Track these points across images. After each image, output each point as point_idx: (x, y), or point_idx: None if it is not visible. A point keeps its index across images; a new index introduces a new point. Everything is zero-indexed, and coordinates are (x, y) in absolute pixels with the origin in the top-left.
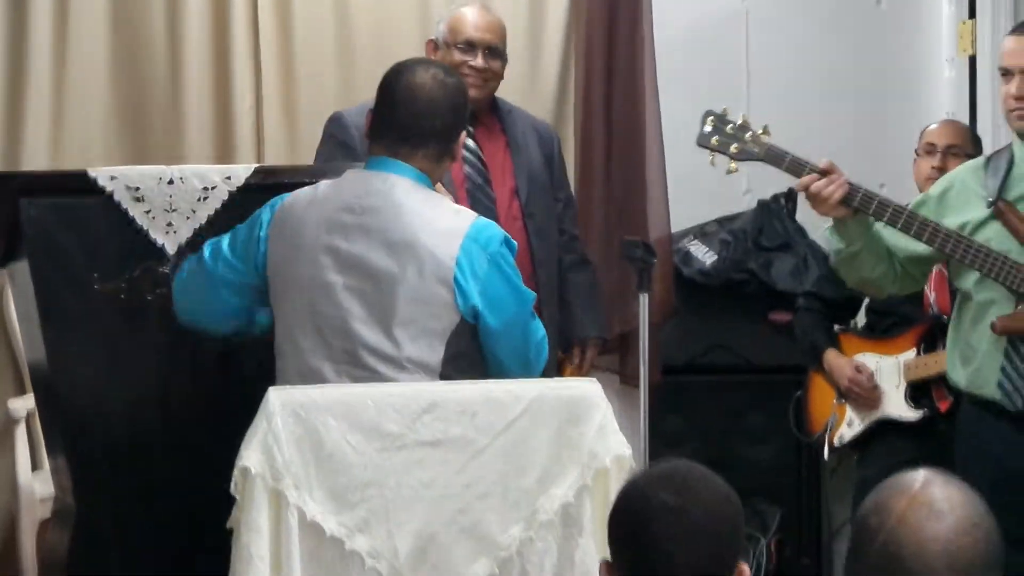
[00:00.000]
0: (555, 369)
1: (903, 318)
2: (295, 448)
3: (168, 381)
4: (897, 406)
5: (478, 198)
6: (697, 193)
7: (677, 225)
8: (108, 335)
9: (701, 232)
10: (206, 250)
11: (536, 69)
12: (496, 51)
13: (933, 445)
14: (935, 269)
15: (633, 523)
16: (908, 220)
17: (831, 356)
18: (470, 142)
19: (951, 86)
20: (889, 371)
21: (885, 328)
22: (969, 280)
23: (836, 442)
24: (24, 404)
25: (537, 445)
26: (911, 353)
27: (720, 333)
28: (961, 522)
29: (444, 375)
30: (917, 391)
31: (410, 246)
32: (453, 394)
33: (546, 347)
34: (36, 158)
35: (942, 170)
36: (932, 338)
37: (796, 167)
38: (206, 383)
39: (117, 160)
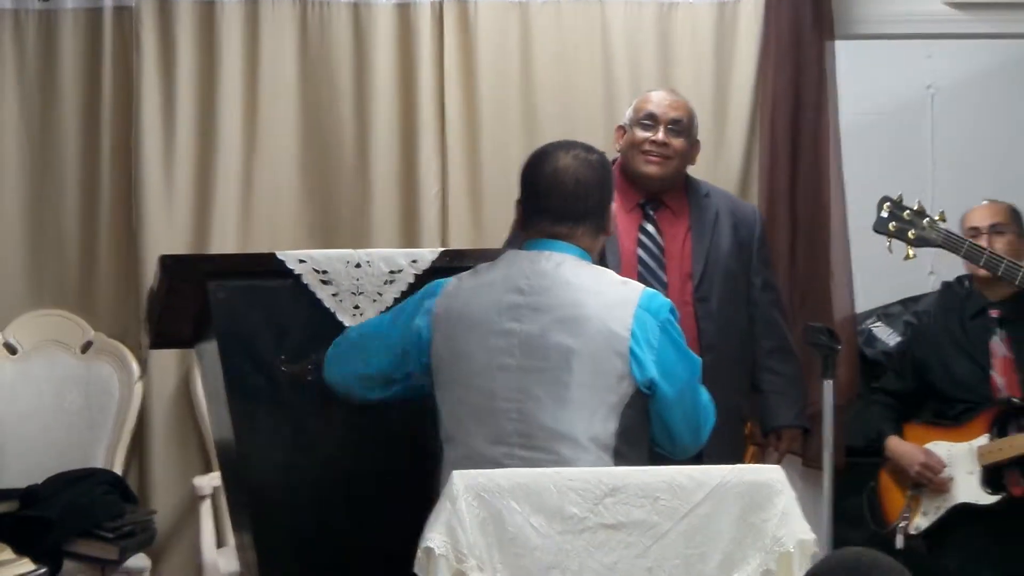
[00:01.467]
0: (740, 453)
1: (971, 404)
2: (478, 530)
3: (353, 461)
4: (972, 491)
5: (649, 283)
6: (881, 274)
7: (861, 306)
8: (294, 415)
9: (885, 313)
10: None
11: (720, 152)
12: (680, 127)
13: (1010, 530)
14: (1000, 355)
15: None
16: None
17: (895, 443)
18: (649, 226)
19: None
20: (962, 457)
21: (955, 416)
22: None
23: (912, 531)
24: (210, 481)
25: (720, 530)
26: (984, 438)
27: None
28: None
29: (617, 449)
30: (991, 476)
31: (583, 321)
32: (635, 478)
33: (712, 412)
34: (225, 242)
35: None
36: (1004, 422)
37: (974, 254)
38: (391, 464)
39: (304, 245)
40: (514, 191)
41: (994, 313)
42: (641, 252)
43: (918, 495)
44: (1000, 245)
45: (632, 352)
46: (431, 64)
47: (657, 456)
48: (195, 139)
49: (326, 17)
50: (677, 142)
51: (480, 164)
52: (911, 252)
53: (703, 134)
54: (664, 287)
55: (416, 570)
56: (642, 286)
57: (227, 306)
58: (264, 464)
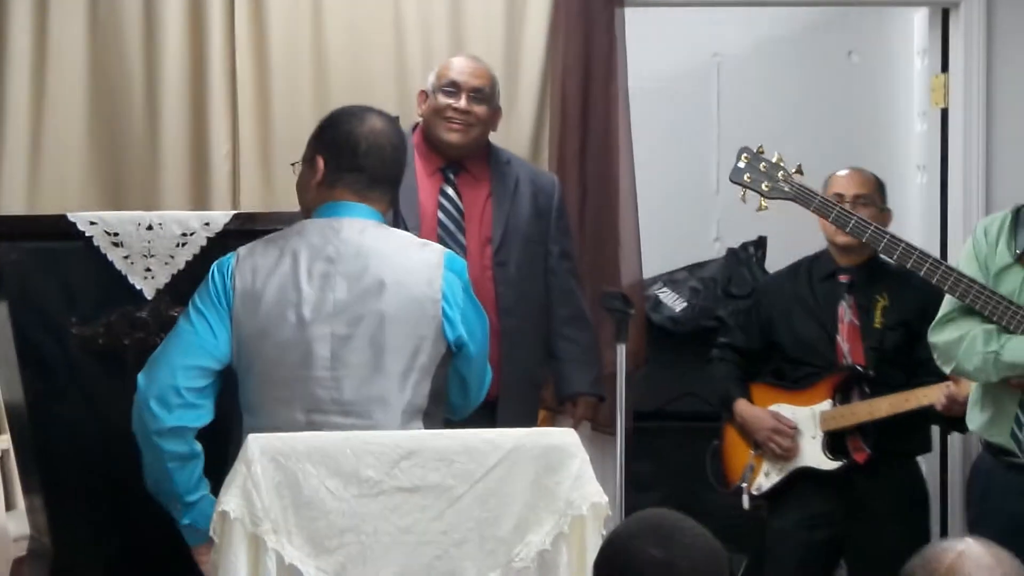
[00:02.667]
0: (535, 416)
1: (816, 368)
2: (274, 493)
3: None
4: (814, 457)
5: (447, 244)
6: (667, 240)
7: (648, 272)
8: (85, 378)
9: (671, 279)
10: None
11: (511, 119)
12: (482, 95)
13: (848, 495)
14: (847, 320)
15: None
16: (938, 271)
17: (743, 407)
18: (449, 189)
19: (923, 139)
20: (804, 421)
21: (796, 379)
22: None
23: (754, 491)
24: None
25: (514, 493)
26: (827, 404)
27: (689, 380)
28: (1009, 573)
29: (427, 411)
30: (833, 441)
31: (394, 286)
32: (431, 441)
33: (489, 373)
34: (13, 203)
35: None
36: (847, 389)
37: (824, 209)
38: None
39: (94, 206)
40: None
41: (843, 278)
42: (441, 215)
43: (760, 456)
44: (863, 215)
45: (444, 313)
46: (221, 23)
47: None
48: None
49: None
50: (479, 109)
51: (271, 125)
52: (763, 203)
53: None
54: (463, 250)
55: (211, 533)
56: (441, 247)
57: (17, 268)
58: (55, 426)
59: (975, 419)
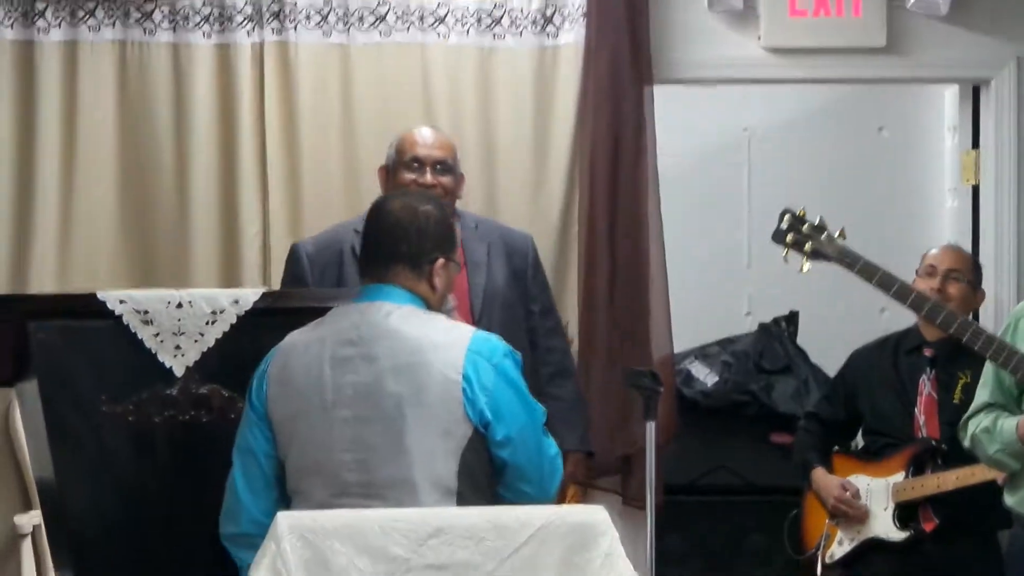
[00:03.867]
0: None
1: (894, 440)
2: (303, 571)
3: (173, 502)
4: (884, 526)
5: None
6: (699, 315)
7: (679, 346)
8: (115, 456)
9: (703, 353)
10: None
11: (539, 196)
12: (446, 167)
13: (918, 565)
14: (925, 394)
15: None
16: (987, 344)
17: (819, 475)
18: None
19: (954, 215)
20: (879, 492)
21: (876, 450)
22: None
23: (827, 559)
24: (30, 519)
25: (544, 571)
26: (900, 475)
27: (721, 454)
28: None
29: (460, 492)
30: (905, 512)
31: (415, 367)
32: (460, 519)
33: (560, 465)
34: (43, 280)
35: (941, 291)
36: (921, 462)
37: (868, 271)
38: (211, 505)
39: (124, 283)
40: None
41: (928, 352)
42: None
43: (835, 524)
44: (953, 291)
45: (465, 394)
46: (251, 104)
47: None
48: (13, 179)
49: (145, 57)
50: (445, 180)
51: (301, 205)
52: (806, 265)
53: (523, 175)
54: None
55: None
56: (473, 329)
57: (47, 346)
58: (85, 503)
59: (1013, 495)
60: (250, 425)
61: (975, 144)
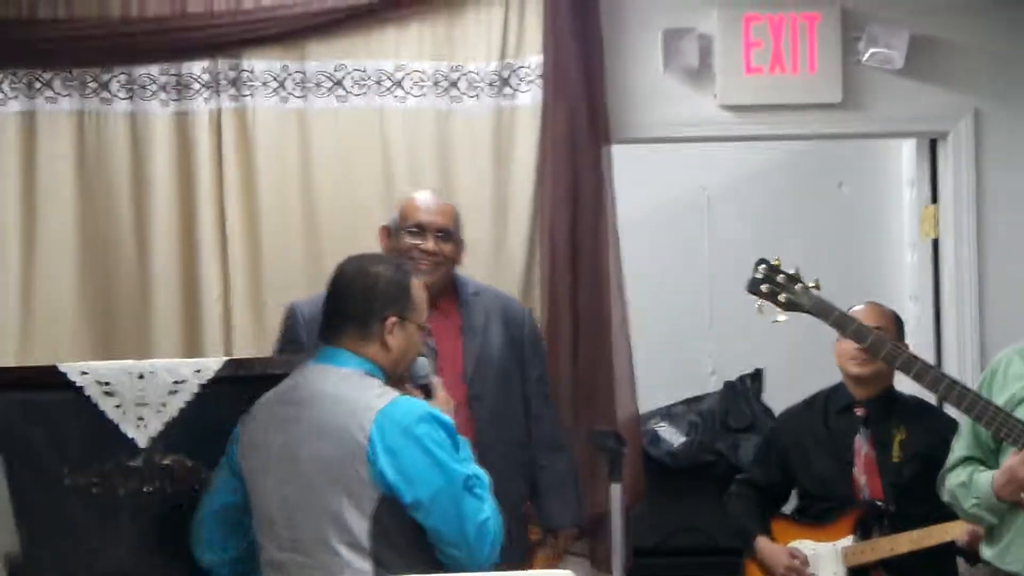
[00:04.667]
0: (524, 552)
1: (833, 503)
2: None
3: (139, 572)
4: None
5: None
6: (664, 375)
7: (645, 406)
8: (80, 529)
9: (668, 414)
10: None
11: (500, 258)
12: (448, 234)
13: None
14: (863, 453)
15: None
16: (962, 397)
17: (763, 544)
18: None
19: (914, 269)
20: (826, 557)
21: (817, 513)
22: (1008, 455)
23: None
24: None
25: None
26: (848, 539)
27: (689, 514)
28: None
29: (375, 554)
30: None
31: (329, 429)
32: None
33: (491, 530)
34: (4, 352)
35: (865, 351)
36: (868, 524)
37: (843, 322)
38: (177, 573)
39: (86, 353)
40: (296, 295)
41: (859, 411)
42: None
43: None
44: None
45: (368, 457)
46: (210, 171)
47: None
48: None
49: (103, 127)
50: (446, 247)
51: (261, 269)
52: (782, 316)
53: (483, 235)
54: None
55: None
56: (397, 396)
57: (8, 419)
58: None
59: (989, 549)
60: (220, 472)
61: (934, 199)
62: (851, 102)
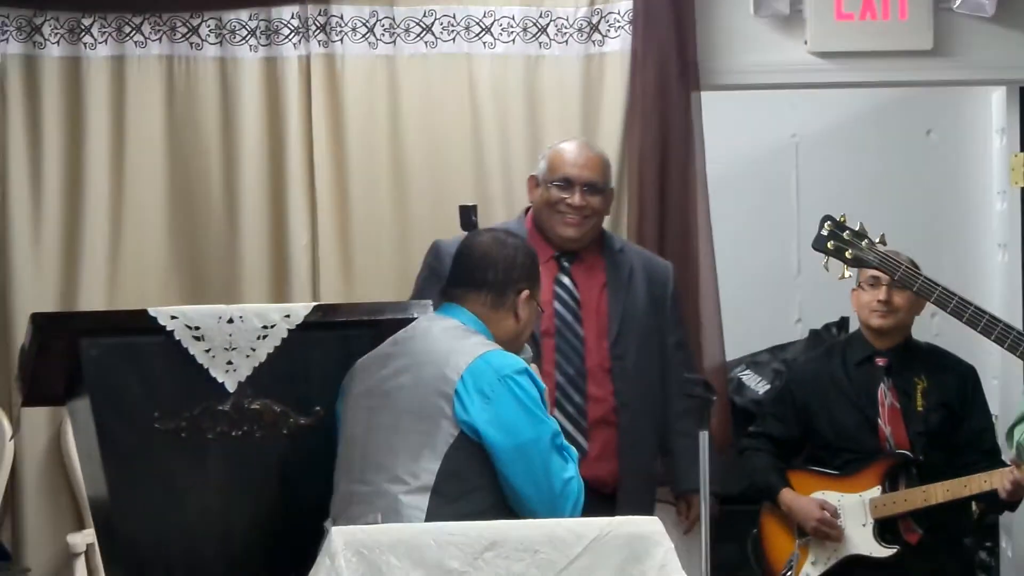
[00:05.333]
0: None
1: (857, 454)
2: None
3: (228, 519)
4: (867, 544)
5: (566, 336)
6: (750, 322)
7: (730, 354)
8: (168, 473)
9: (754, 361)
10: None
11: None
12: (595, 187)
13: None
14: (887, 404)
15: None
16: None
17: (789, 497)
18: (565, 279)
19: (1003, 218)
20: (853, 508)
21: (839, 465)
22: None
23: None
24: (84, 538)
25: None
26: (876, 490)
27: None
28: None
29: (436, 488)
30: (883, 527)
31: (424, 366)
32: (515, 531)
33: (575, 490)
34: (93, 298)
35: (887, 303)
36: (895, 475)
37: (909, 279)
38: (266, 521)
39: (174, 300)
40: (384, 242)
41: (881, 362)
42: (557, 305)
43: (806, 544)
44: (899, 300)
45: (457, 393)
46: (299, 117)
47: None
48: (62, 196)
49: (192, 72)
50: (594, 201)
51: (349, 216)
52: (847, 272)
53: None
54: (581, 341)
55: None
56: (498, 349)
57: (99, 363)
58: (138, 520)
59: None
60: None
61: None
62: (941, 49)
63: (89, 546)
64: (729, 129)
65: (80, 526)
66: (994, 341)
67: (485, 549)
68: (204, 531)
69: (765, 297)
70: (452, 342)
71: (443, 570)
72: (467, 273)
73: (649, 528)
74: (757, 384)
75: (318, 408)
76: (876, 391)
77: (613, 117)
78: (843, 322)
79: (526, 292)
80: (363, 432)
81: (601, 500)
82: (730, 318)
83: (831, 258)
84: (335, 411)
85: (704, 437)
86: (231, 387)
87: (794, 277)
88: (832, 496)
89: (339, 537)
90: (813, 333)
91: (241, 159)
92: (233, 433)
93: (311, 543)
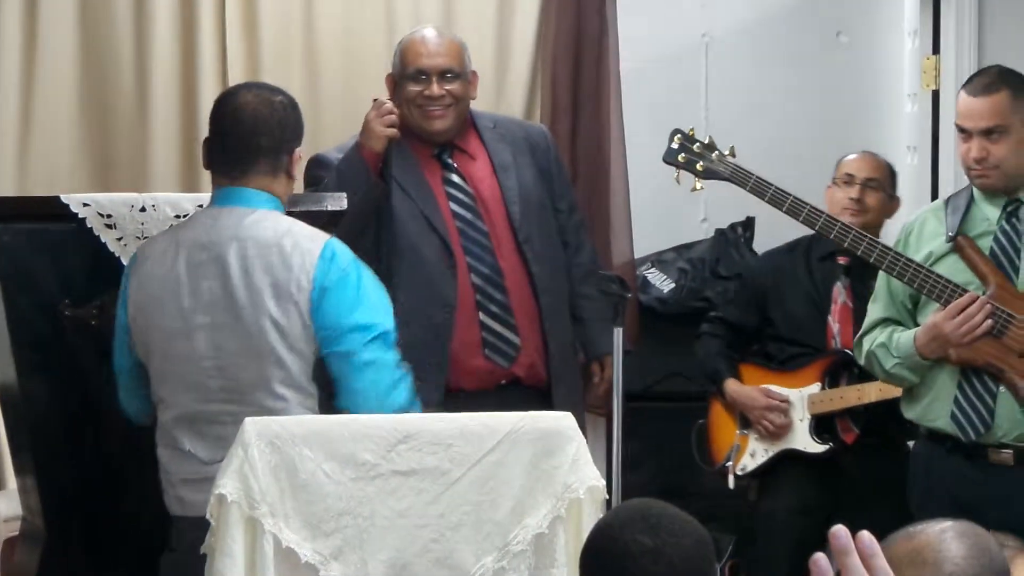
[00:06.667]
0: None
1: (805, 349)
2: (271, 476)
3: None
4: (802, 439)
5: (469, 235)
6: (655, 221)
7: (636, 253)
8: (78, 359)
9: (659, 260)
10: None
11: (501, 101)
12: (452, 73)
13: (835, 477)
14: (840, 302)
15: (609, 565)
16: (883, 255)
17: (734, 386)
18: (454, 177)
19: (913, 120)
20: (793, 404)
21: (785, 359)
22: (929, 314)
23: (738, 471)
24: None
25: (511, 477)
26: (815, 387)
27: (677, 360)
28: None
29: (320, 399)
30: (820, 424)
31: (265, 272)
32: (428, 425)
33: (402, 393)
34: (3, 184)
35: (859, 201)
36: (836, 372)
37: (760, 188)
38: None
39: (84, 188)
40: None
41: (842, 260)
42: (454, 206)
43: (746, 435)
44: (871, 200)
45: (312, 299)
46: (212, 7)
47: None
48: None
49: None
50: (455, 87)
51: None
52: (698, 184)
53: (484, 79)
54: (486, 236)
55: (208, 517)
56: (327, 237)
57: (10, 249)
58: (47, 407)
59: (912, 407)
60: (118, 340)
61: (935, 49)
62: None
63: None
64: (641, 27)
65: None
66: (847, 248)
67: (399, 442)
68: (113, 419)
69: (671, 196)
70: (278, 240)
71: (356, 462)
72: (239, 142)
73: (562, 423)
74: (662, 283)
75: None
76: (832, 287)
77: (527, 17)
78: (749, 222)
79: (298, 151)
80: (208, 351)
81: (540, 398)
82: (636, 217)
83: (682, 171)
84: (120, 307)
85: (618, 334)
86: None
87: (694, 180)
88: (775, 391)
89: (252, 428)
90: (719, 232)
91: (153, 45)
92: None
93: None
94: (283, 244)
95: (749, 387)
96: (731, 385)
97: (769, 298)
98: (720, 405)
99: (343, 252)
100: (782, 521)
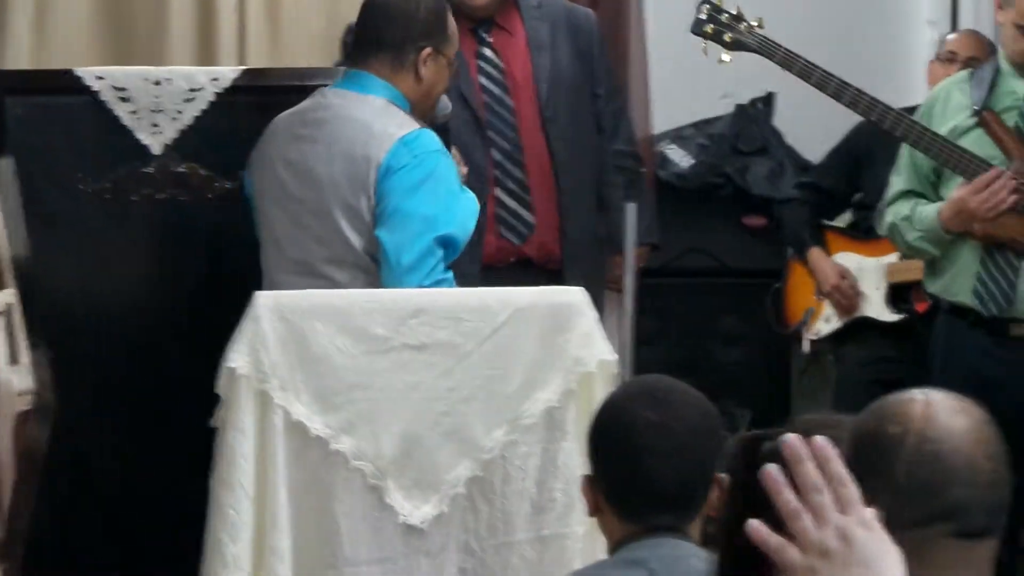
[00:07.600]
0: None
1: None
2: (281, 350)
3: (151, 281)
4: (877, 307)
5: (495, 110)
6: (675, 96)
7: (655, 128)
8: (92, 234)
9: (678, 136)
10: None
11: None
12: None
13: (910, 345)
14: None
15: (616, 439)
16: (909, 129)
17: (815, 256)
18: (487, 51)
19: None
20: (871, 272)
21: (869, 228)
22: (952, 188)
23: (813, 335)
24: (4, 297)
25: (522, 351)
26: (893, 256)
27: (695, 236)
28: (980, 417)
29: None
30: (896, 293)
31: (345, 152)
32: (440, 299)
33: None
34: (18, 58)
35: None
36: None
37: (788, 60)
38: (190, 283)
39: (99, 61)
40: (312, 10)
41: None
42: (483, 80)
43: (823, 300)
44: None
45: (378, 182)
46: None
47: None
48: None
49: None
50: None
51: None
52: (726, 56)
53: None
54: (512, 112)
55: (218, 390)
56: (418, 127)
57: (24, 122)
58: (62, 281)
59: (934, 282)
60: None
61: None
62: None
63: (9, 306)
64: None
65: (1, 286)
66: (875, 121)
67: (410, 316)
68: (127, 293)
69: (692, 71)
70: (369, 123)
71: (368, 336)
72: (365, 32)
73: (574, 298)
74: (682, 159)
75: (244, 173)
76: None
77: None
78: (769, 97)
79: (428, 50)
80: (289, 222)
81: (550, 279)
82: (656, 92)
83: (710, 42)
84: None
85: (631, 209)
86: (156, 149)
87: (721, 51)
88: (854, 259)
89: (263, 301)
90: (739, 108)
91: None
92: (158, 196)
93: (234, 309)
94: (373, 127)
95: (828, 262)
96: (813, 254)
97: (863, 166)
98: (801, 269)
99: (426, 142)
100: (858, 378)
